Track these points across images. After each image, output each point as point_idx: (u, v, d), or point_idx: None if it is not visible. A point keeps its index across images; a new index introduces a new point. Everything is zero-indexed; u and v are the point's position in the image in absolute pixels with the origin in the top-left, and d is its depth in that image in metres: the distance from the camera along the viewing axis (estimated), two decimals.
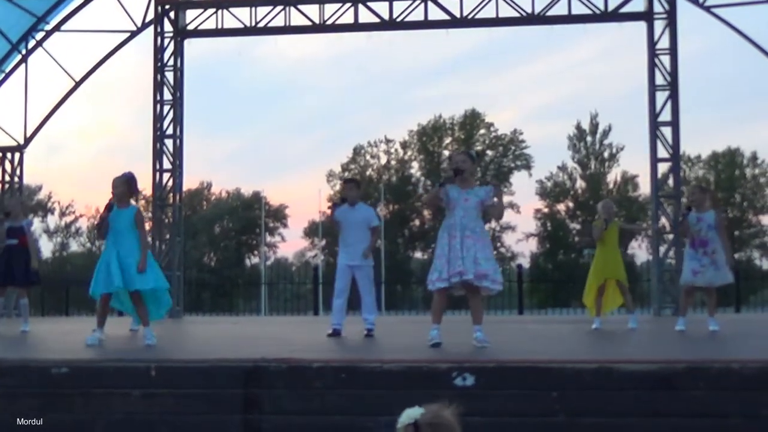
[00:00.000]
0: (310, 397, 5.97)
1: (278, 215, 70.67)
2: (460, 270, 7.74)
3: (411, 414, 3.42)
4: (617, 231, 12.81)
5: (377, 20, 21.41)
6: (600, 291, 12.72)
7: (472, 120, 68.70)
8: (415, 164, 69.69)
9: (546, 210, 66.54)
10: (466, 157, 8.20)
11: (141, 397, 6.09)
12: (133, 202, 9.01)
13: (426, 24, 21.54)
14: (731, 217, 62.88)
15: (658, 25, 20.54)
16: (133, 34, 22.57)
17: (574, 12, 20.91)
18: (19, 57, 22.99)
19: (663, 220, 20.57)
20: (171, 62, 21.86)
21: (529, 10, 20.99)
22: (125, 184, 8.88)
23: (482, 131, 69.07)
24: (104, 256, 8.77)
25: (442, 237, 8.01)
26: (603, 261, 12.64)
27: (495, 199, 8.09)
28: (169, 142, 21.62)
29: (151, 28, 22.03)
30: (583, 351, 8.18)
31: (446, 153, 62.83)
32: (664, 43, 20.47)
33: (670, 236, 20.23)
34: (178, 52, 21.92)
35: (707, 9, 20.74)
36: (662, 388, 5.71)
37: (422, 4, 21.23)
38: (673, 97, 20.24)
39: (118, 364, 6.45)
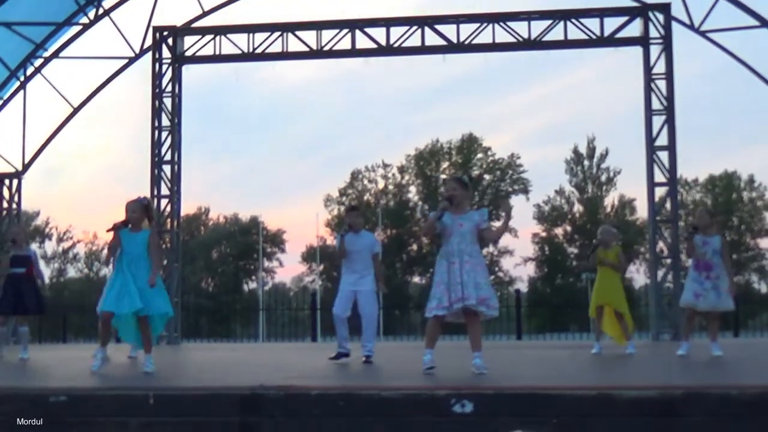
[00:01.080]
0: (308, 425, 5.94)
1: (276, 240, 70.68)
2: (463, 296, 7.73)
3: None
4: (616, 256, 12.77)
5: (374, 46, 21.53)
6: (599, 314, 12.73)
7: (469, 144, 68.88)
8: (412, 189, 69.86)
9: (544, 234, 66.61)
10: (457, 183, 8.18)
11: (140, 425, 6.06)
12: (145, 226, 8.92)
13: (423, 49, 21.65)
14: (729, 240, 62.89)
15: (654, 50, 20.67)
16: (132, 61, 22.69)
17: (570, 37, 21.07)
18: (18, 84, 23.07)
19: (661, 244, 20.59)
20: (169, 88, 21.95)
21: (526, 36, 21.11)
22: (143, 210, 8.81)
23: (479, 155, 69.24)
24: (119, 278, 8.64)
25: (440, 264, 7.98)
26: (600, 286, 12.69)
27: (492, 224, 8.09)
28: (167, 168, 21.66)
29: (150, 54, 22.14)
30: (582, 377, 8.16)
31: (443, 177, 62.83)
32: (660, 67, 20.59)
33: (669, 260, 20.25)
34: (176, 78, 22.01)
35: (702, 34, 20.88)
36: (662, 414, 5.69)
37: (419, 30, 21.35)
38: (670, 121, 20.33)
39: (116, 392, 6.43)
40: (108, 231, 8.64)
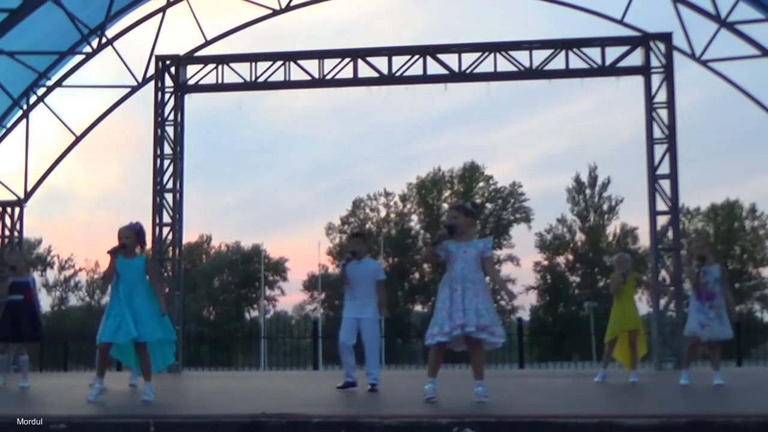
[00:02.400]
0: None
1: (278, 268, 70.64)
2: (462, 323, 7.69)
3: None
4: (634, 283, 12.83)
5: (376, 75, 21.61)
6: (612, 343, 12.70)
7: (471, 173, 69.01)
8: (414, 217, 69.93)
9: (546, 263, 66.56)
10: (458, 212, 8.15)
11: None
12: (138, 252, 8.86)
13: (425, 79, 21.72)
14: (731, 269, 62.87)
15: (656, 79, 20.75)
16: (134, 90, 22.78)
17: (571, 66, 21.15)
18: (21, 112, 23.15)
19: (663, 273, 20.55)
20: (171, 117, 22.00)
21: (527, 65, 21.20)
22: (136, 235, 8.77)
23: (481, 184, 69.37)
24: (115, 307, 8.61)
25: (442, 291, 7.96)
26: (621, 313, 12.61)
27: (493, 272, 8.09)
28: (168, 196, 21.69)
29: (152, 83, 22.22)
30: (584, 405, 8.12)
31: (445, 206, 62.92)
32: (661, 96, 20.64)
33: (671, 289, 20.20)
34: (179, 107, 22.07)
35: (704, 63, 20.95)
36: None
37: (421, 59, 21.44)
38: (671, 150, 20.36)
39: (116, 420, 6.40)
40: (108, 252, 8.59)
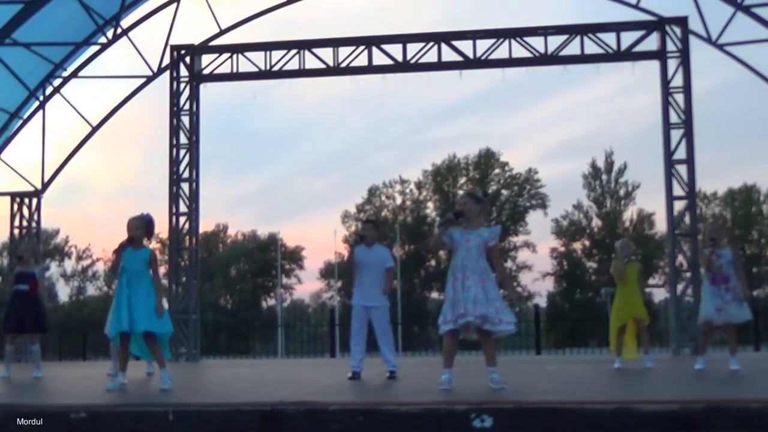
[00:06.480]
0: None
1: (294, 257, 70.77)
2: (463, 312, 7.69)
3: None
4: (637, 270, 12.79)
5: (391, 62, 21.55)
6: (621, 330, 12.71)
7: (486, 159, 68.88)
8: (430, 204, 69.87)
9: (562, 249, 66.41)
10: (469, 198, 8.13)
11: None
12: (146, 243, 8.92)
13: (439, 65, 21.68)
14: (749, 254, 62.61)
15: (672, 64, 20.61)
16: (150, 79, 22.81)
17: (587, 52, 21.03)
18: (37, 103, 23.23)
19: (680, 258, 20.48)
20: (187, 106, 22.02)
21: (542, 51, 21.11)
22: (144, 227, 8.82)
23: (497, 171, 69.25)
24: (118, 298, 8.74)
25: (448, 279, 7.95)
26: (624, 301, 12.64)
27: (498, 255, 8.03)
28: (185, 186, 21.73)
29: (168, 73, 22.24)
30: (601, 391, 8.12)
31: (461, 193, 62.85)
32: (677, 81, 20.52)
33: (688, 274, 20.14)
34: (194, 97, 22.09)
35: (720, 47, 20.82)
36: (682, 429, 5.66)
37: (435, 46, 21.38)
38: (688, 135, 20.26)
39: (136, 408, 6.44)
40: (114, 252, 8.69)
